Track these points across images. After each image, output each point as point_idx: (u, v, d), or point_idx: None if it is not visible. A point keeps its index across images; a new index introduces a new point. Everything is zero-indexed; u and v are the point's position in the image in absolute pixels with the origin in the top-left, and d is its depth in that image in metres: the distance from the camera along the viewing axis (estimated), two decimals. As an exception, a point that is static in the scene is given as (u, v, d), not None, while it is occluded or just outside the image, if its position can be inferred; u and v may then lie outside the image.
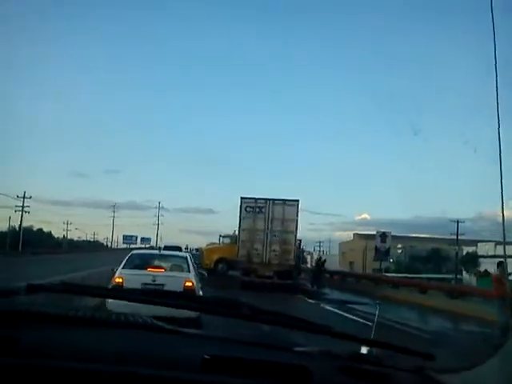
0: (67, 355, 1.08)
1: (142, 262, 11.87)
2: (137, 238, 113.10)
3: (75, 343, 1.16)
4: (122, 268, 11.18)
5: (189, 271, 11.23)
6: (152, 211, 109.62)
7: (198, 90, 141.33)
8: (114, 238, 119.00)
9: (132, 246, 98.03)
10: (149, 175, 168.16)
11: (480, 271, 41.79)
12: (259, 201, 27.96)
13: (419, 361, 1.34)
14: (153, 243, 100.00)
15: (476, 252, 58.05)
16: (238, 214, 27.82)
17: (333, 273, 36.28)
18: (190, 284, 10.47)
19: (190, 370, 1.01)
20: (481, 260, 55.09)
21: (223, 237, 40.50)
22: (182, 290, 9.61)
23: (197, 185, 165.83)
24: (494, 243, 55.41)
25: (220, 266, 37.58)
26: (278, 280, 26.70)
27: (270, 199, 27.96)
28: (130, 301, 1.50)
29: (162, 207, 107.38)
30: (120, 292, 2.21)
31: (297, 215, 27.52)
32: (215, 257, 38.07)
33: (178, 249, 29.54)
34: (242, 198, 28.02)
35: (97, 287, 2.54)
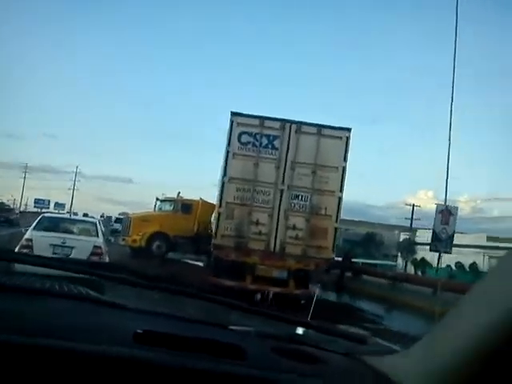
0: None
1: (52, 224, 10.89)
2: (49, 202, 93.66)
3: None
4: (32, 229, 10.26)
5: (97, 236, 10.29)
6: (69, 176, 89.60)
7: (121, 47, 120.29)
8: (26, 201, 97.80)
9: (44, 210, 79.07)
10: (67, 139, 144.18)
11: (416, 258, 40.14)
12: (269, 123, 11.81)
13: (352, 344, 1.27)
14: (68, 210, 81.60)
15: (414, 239, 47.58)
16: (225, 150, 11.54)
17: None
18: (98, 247, 9.60)
19: (121, 344, 0.84)
20: (418, 247, 45.06)
21: (162, 201, 23.95)
22: (90, 253, 9.16)
23: (117, 152, 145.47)
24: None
25: (156, 244, 21.13)
26: (296, 290, 11.01)
27: (291, 121, 11.88)
28: (37, 265, 1.29)
29: (80, 172, 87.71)
30: (27, 256, 1.85)
31: (345, 159, 11.60)
32: (149, 230, 21.68)
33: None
34: (233, 113, 11.68)
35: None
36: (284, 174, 11.53)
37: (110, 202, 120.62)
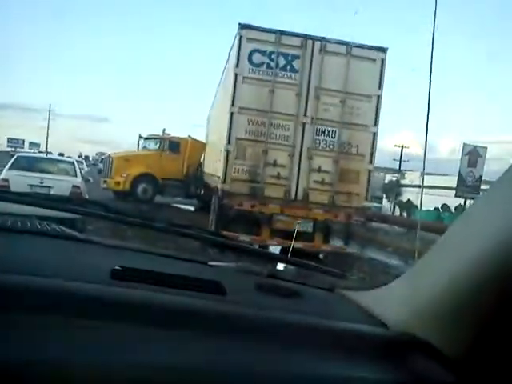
0: None
1: (28, 164, 10.09)
2: (24, 141, 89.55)
3: None
4: (8, 169, 9.63)
5: (76, 176, 9.86)
6: (43, 115, 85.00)
7: None
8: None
9: (19, 150, 75.80)
10: (40, 75, 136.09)
11: (402, 200, 40.01)
12: (288, 39, 9.19)
13: (333, 280, 1.27)
14: (43, 149, 77.96)
15: (399, 180, 46.71)
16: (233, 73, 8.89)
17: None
18: (77, 187, 9.22)
19: (98, 281, 0.79)
20: (403, 189, 45.04)
21: (146, 139, 21.35)
22: (69, 193, 8.63)
23: (92, 90, 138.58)
24: (419, 173, 43.72)
25: (141, 187, 18.81)
26: (324, 246, 8.99)
27: (314, 37, 9.28)
28: (15, 203, 1.20)
29: (54, 111, 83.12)
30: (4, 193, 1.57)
31: (380, 85, 9.21)
32: (134, 171, 19.30)
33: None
34: (242, 26, 9.00)
35: None
36: (307, 103, 9.09)
37: (86, 141, 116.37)
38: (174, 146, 20.02)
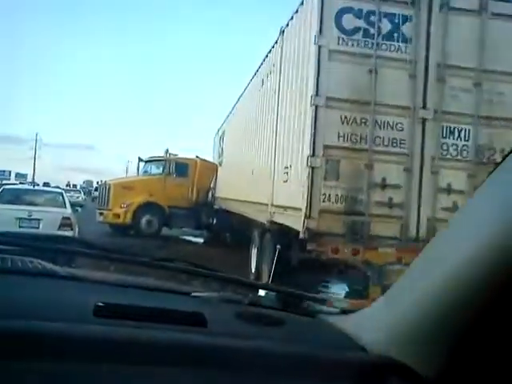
0: None
1: (15, 196, 9.77)
2: (10, 173, 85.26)
3: None
4: None
5: (65, 207, 9.39)
6: (29, 145, 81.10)
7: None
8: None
9: (5, 181, 71.84)
10: (26, 106, 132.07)
11: None
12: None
13: (315, 305, 1.26)
14: (30, 180, 74.27)
15: None
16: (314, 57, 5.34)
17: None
18: (67, 219, 8.76)
19: (80, 319, 0.77)
20: None
21: (147, 161, 17.86)
22: (59, 225, 8.38)
23: (78, 118, 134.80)
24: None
25: (145, 218, 15.19)
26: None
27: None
28: None
29: (41, 140, 79.13)
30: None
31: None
32: (136, 200, 15.62)
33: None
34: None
35: None
36: (425, 89, 5.76)
37: (73, 170, 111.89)
38: (180, 168, 16.58)
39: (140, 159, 18.02)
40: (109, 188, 15.85)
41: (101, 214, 15.69)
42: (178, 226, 16.56)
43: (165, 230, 16.19)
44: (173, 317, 0.83)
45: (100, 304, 0.83)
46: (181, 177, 16.57)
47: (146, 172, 17.46)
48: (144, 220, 15.56)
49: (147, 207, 15.63)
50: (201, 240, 16.84)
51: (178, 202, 16.27)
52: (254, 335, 0.83)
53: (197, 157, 17.92)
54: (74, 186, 55.63)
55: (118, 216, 15.26)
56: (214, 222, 16.77)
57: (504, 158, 0.63)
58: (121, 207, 15.40)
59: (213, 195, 17.48)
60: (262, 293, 1.29)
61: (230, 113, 15.14)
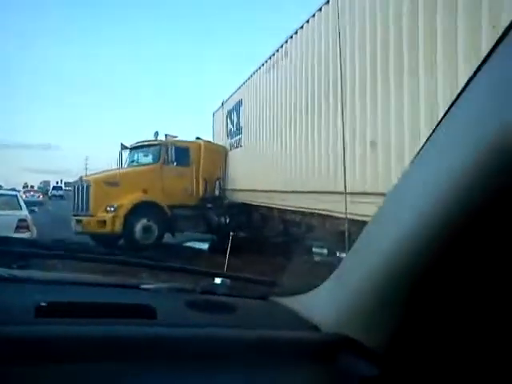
0: None
1: None
2: (-38, 177, 79.21)
3: None
4: None
5: (21, 208, 8.63)
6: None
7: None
8: None
9: (-42, 186, 66.70)
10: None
11: None
12: None
13: (265, 288, 1.25)
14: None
15: None
16: None
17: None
18: (23, 221, 8.10)
19: (20, 321, 0.72)
20: None
21: (134, 148, 13.38)
22: (15, 227, 7.80)
23: (37, 117, 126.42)
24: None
25: (141, 224, 10.56)
26: None
27: None
28: None
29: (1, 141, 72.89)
30: None
31: None
32: (127, 200, 10.97)
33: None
34: None
35: None
36: None
37: (32, 171, 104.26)
38: (181, 154, 12.31)
39: (124, 146, 13.53)
40: (87, 186, 11.37)
41: (78, 221, 11.20)
42: (184, 231, 12.32)
43: (167, 237, 11.94)
44: (120, 310, 0.79)
45: (43, 304, 0.77)
46: (182, 165, 12.32)
47: (133, 162, 13.07)
48: (139, 226, 11.20)
49: (142, 209, 11.28)
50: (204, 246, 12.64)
51: (180, 198, 12.05)
52: (206, 323, 0.81)
53: (198, 138, 13.65)
54: (32, 186, 53.45)
55: (103, 223, 10.85)
56: (227, 221, 12.69)
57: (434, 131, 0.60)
58: (106, 211, 11.00)
59: (221, 187, 13.35)
60: (218, 281, 1.23)
61: (250, 78, 10.93)
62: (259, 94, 10.21)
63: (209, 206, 12.62)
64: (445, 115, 0.58)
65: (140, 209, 11.25)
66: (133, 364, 0.65)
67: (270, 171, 9.36)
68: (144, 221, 11.30)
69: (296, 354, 0.72)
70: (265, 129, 9.87)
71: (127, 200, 11.14)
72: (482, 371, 0.63)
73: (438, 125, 0.59)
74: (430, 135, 0.60)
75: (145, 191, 11.61)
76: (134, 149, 13.12)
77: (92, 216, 11.04)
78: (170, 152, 12.00)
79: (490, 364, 0.63)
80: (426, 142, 0.61)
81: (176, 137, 12.65)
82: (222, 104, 14.07)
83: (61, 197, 43.85)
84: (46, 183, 66.22)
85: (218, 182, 13.27)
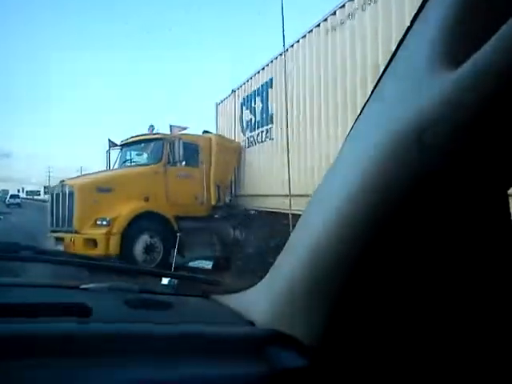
0: None
1: None
2: None
3: None
4: None
5: None
6: None
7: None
8: None
9: None
10: None
11: None
12: None
13: (206, 287, 1.26)
14: None
15: None
16: None
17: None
18: None
19: None
20: None
21: (127, 145, 10.49)
22: None
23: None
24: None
25: (143, 243, 7.62)
26: None
27: None
28: None
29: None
30: None
31: None
32: (125, 210, 7.90)
33: None
34: None
35: None
36: None
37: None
38: (188, 151, 9.59)
39: (112, 144, 10.73)
40: (70, 193, 8.49)
41: (58, 240, 8.30)
42: (194, 248, 9.55)
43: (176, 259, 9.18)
44: (53, 310, 0.75)
45: None
46: (190, 166, 9.64)
47: (125, 162, 10.25)
48: (141, 246, 8.42)
49: (143, 222, 8.50)
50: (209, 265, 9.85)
51: (188, 208, 9.33)
52: (141, 320, 0.80)
53: (206, 132, 10.96)
54: (27, 193, 56.21)
55: (92, 243, 7.97)
56: (243, 235, 10.08)
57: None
58: (96, 226, 8.17)
59: (235, 193, 10.76)
60: (165, 281, 1.25)
61: (287, 50, 8.29)
62: (309, 66, 7.61)
63: (222, 215, 9.98)
64: (361, 112, 0.58)
65: (141, 222, 8.45)
66: (63, 361, 0.62)
67: (322, 169, 6.83)
68: (146, 238, 8.51)
69: (228, 348, 0.71)
70: (317, 113, 7.30)
71: (124, 211, 8.33)
72: (415, 363, 0.62)
73: (355, 121, 0.59)
74: (348, 134, 0.60)
75: (146, 199, 8.84)
76: (126, 146, 10.29)
77: (77, 232, 8.18)
78: (176, 148, 9.24)
79: (423, 356, 0.62)
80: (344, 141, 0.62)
81: (185, 128, 9.91)
82: (233, 91, 11.43)
83: (18, 205, 45.29)
84: (5, 192, 66.57)
85: (232, 187, 10.67)
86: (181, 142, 9.28)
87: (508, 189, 0.52)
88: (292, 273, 0.70)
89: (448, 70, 0.43)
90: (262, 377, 0.67)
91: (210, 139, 10.21)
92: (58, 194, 8.75)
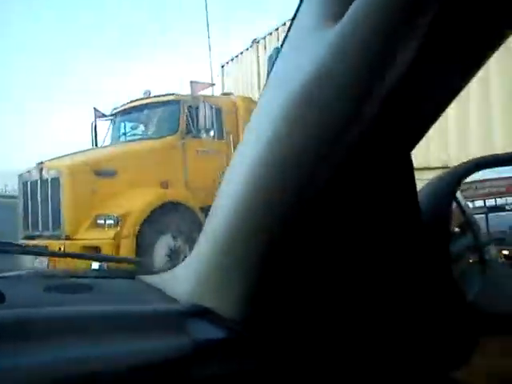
0: None
1: None
2: None
3: None
4: None
5: None
6: None
7: None
8: None
9: None
10: None
11: None
12: None
13: (133, 268, 1.25)
14: None
15: None
16: None
17: None
18: None
19: None
20: None
21: (123, 113, 7.65)
22: None
23: None
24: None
25: (163, 245, 4.82)
26: None
27: None
28: None
29: None
30: None
31: None
32: (138, 202, 5.04)
33: None
34: None
35: None
36: None
37: None
38: (211, 118, 6.98)
39: (100, 114, 7.92)
40: (54, 179, 5.74)
41: (43, 248, 5.61)
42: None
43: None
44: None
45: None
46: (213, 138, 7.04)
47: (122, 136, 7.51)
48: (162, 251, 5.81)
49: (164, 217, 5.90)
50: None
51: (212, 196, 6.74)
52: (62, 303, 0.76)
53: (226, 94, 8.33)
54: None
55: (95, 251, 5.37)
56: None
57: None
58: (98, 226, 5.52)
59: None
60: (95, 265, 1.21)
61: None
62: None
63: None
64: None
65: (161, 218, 5.83)
66: None
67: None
68: (168, 239, 5.91)
69: (149, 325, 0.68)
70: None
71: (138, 203, 5.68)
72: (348, 335, 0.64)
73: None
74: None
75: (164, 185, 6.22)
76: (122, 115, 7.52)
77: (68, 238, 5.48)
78: (200, 114, 6.61)
79: (356, 327, 0.63)
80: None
81: (213, 85, 7.26)
82: (255, 42, 8.83)
83: None
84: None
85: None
86: (206, 104, 6.65)
87: (410, 151, 0.51)
88: (212, 247, 0.68)
89: (331, 23, 0.44)
90: (182, 348, 0.66)
91: (234, 103, 7.60)
92: (34, 183, 5.95)
